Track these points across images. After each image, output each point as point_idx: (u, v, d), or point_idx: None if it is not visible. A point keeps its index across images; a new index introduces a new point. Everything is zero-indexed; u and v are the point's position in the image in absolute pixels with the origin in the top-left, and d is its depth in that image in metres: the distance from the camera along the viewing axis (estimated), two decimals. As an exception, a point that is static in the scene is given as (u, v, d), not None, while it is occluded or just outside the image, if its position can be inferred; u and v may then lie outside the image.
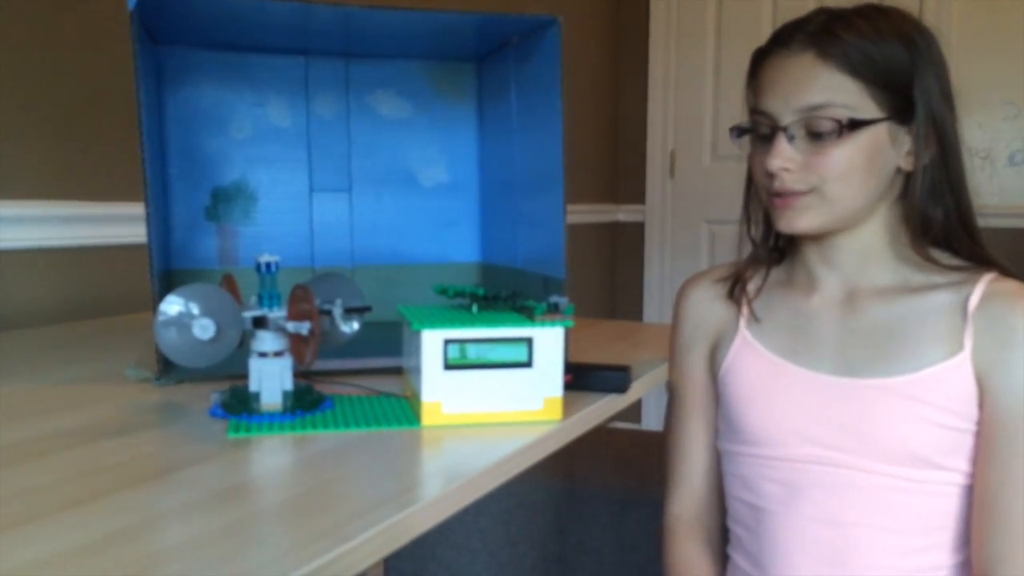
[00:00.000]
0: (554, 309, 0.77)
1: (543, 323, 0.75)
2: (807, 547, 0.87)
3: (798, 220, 0.86)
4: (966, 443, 0.84)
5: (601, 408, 0.83)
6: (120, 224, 1.50)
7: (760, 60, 0.88)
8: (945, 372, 0.83)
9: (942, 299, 0.86)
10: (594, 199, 3.30)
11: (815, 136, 0.83)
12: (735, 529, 0.97)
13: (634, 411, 3.45)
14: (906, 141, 0.85)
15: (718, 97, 3.25)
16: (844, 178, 0.83)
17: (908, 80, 0.83)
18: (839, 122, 0.81)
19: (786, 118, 0.83)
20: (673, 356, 1.03)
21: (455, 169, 1.23)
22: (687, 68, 3.29)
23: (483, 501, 1.57)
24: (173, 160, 1.10)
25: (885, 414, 0.84)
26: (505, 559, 1.61)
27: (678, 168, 3.36)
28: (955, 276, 0.87)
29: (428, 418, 0.74)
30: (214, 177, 1.13)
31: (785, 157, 0.83)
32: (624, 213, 3.49)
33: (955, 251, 0.89)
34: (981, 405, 0.83)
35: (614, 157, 3.46)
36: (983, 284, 0.85)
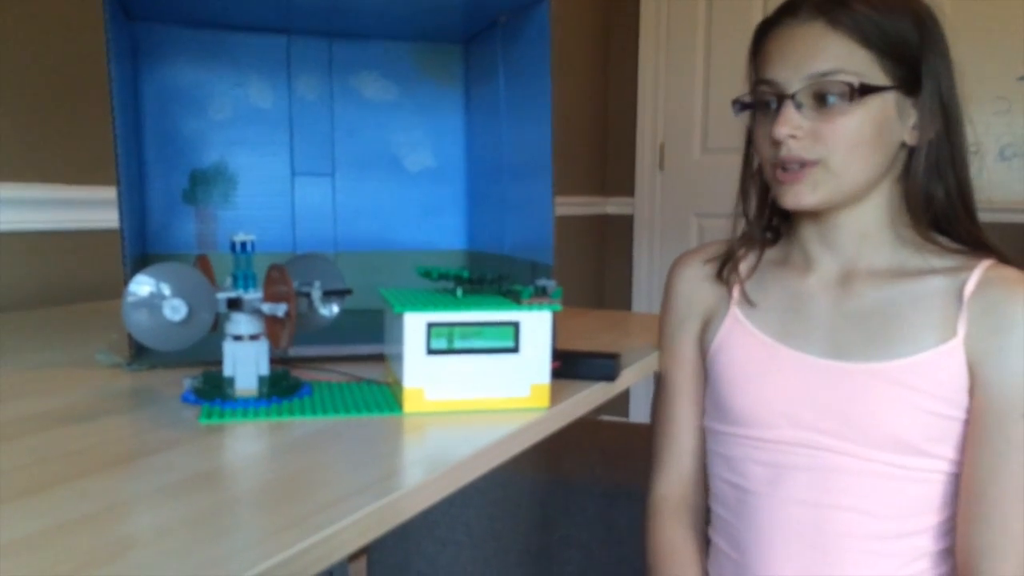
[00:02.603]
0: (542, 293, 0.75)
1: (530, 307, 0.72)
2: (789, 529, 0.86)
3: (804, 195, 0.84)
4: (954, 431, 0.83)
5: (590, 396, 0.81)
6: (98, 208, 1.47)
7: (765, 31, 0.87)
8: (936, 358, 0.82)
9: (937, 284, 0.85)
10: (583, 191, 3.28)
11: (823, 104, 0.82)
12: (718, 510, 0.95)
13: (622, 404, 3.43)
14: (912, 115, 0.85)
15: (708, 89, 3.23)
16: (851, 149, 0.82)
17: (916, 54, 0.83)
18: (851, 86, 0.81)
19: (793, 85, 0.83)
20: (663, 335, 1.01)
21: (441, 154, 1.20)
22: (677, 60, 3.27)
23: (468, 494, 1.55)
24: (150, 142, 1.07)
25: (874, 399, 0.83)
26: (490, 552, 1.59)
27: (667, 161, 3.34)
28: (952, 261, 0.86)
29: (410, 405, 0.71)
30: (192, 159, 1.10)
31: (793, 124, 0.82)
32: (613, 205, 3.47)
33: (953, 237, 0.88)
34: (972, 393, 0.82)
35: (603, 149, 3.44)
36: (980, 270, 0.84)
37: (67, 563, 0.42)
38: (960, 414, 0.82)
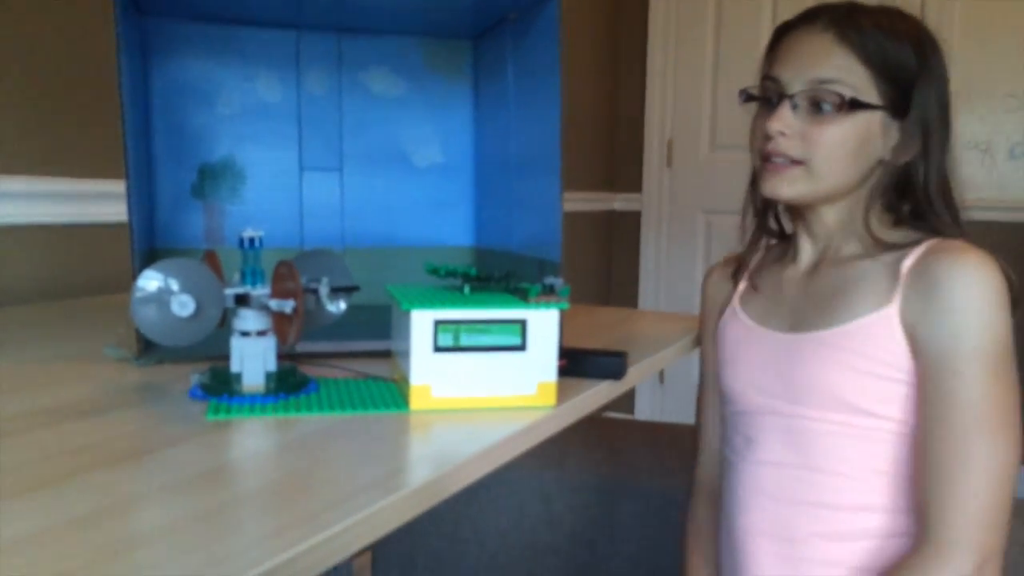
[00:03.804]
0: (549, 291, 0.74)
1: (537, 305, 0.72)
2: (760, 489, 0.96)
3: (783, 187, 0.92)
4: (900, 393, 0.88)
5: (597, 394, 0.81)
6: (108, 202, 1.47)
7: (783, 33, 0.95)
8: (872, 323, 0.88)
9: (885, 259, 0.91)
10: (591, 187, 3.27)
11: (817, 110, 0.89)
12: (722, 484, 1.05)
13: (627, 401, 3.43)
14: (895, 136, 0.92)
15: (716, 86, 3.22)
16: (833, 155, 0.90)
17: (911, 80, 0.90)
18: (842, 97, 0.88)
19: (794, 87, 0.90)
20: (701, 331, 1.13)
21: (449, 149, 1.20)
22: (686, 57, 3.26)
23: (473, 490, 1.55)
24: (158, 136, 1.07)
25: (816, 363, 0.91)
26: (495, 548, 1.59)
27: (675, 157, 3.33)
28: (907, 241, 0.92)
29: (417, 402, 0.71)
30: (201, 154, 1.10)
31: (785, 123, 0.90)
32: (621, 202, 3.46)
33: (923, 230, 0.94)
34: (915, 357, 0.87)
35: (611, 145, 3.43)
36: (924, 245, 0.89)
37: (73, 560, 0.42)
38: (904, 376, 0.87)
